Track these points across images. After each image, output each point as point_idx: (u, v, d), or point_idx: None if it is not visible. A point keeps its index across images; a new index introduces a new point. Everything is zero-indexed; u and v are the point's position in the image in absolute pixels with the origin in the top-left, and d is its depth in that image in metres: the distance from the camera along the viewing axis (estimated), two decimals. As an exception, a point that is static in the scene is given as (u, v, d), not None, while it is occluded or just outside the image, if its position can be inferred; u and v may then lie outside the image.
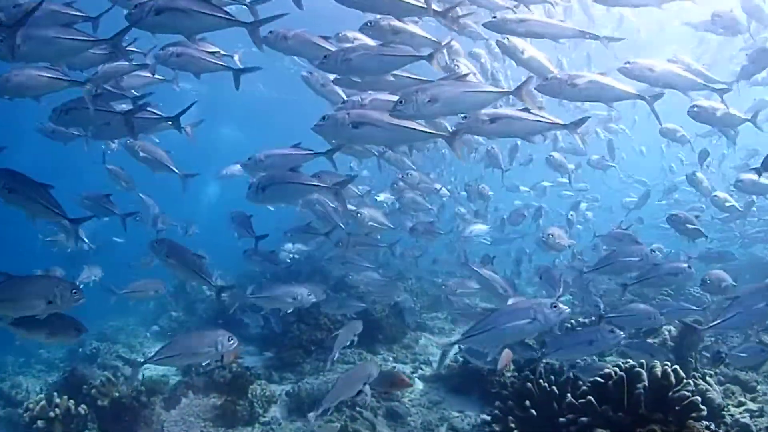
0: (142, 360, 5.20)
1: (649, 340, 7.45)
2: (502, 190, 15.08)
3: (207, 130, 9.14)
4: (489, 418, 5.83)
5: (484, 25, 6.51)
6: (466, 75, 6.16)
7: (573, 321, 7.92)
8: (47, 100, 6.08)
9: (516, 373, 7.04)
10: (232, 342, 5.23)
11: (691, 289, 10.98)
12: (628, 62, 6.73)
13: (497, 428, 5.47)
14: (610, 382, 4.35)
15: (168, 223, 11.36)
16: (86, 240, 8.42)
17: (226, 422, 6.89)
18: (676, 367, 4.53)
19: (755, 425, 5.79)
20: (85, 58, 5.92)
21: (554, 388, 5.35)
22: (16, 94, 5.61)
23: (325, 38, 6.44)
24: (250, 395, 7.17)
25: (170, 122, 6.39)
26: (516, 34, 6.43)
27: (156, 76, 7.08)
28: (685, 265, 7.13)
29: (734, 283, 7.70)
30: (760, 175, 6.91)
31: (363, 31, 6.34)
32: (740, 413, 6.26)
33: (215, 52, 6.46)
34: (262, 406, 7.20)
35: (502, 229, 14.84)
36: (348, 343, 6.86)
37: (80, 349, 11.07)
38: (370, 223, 7.95)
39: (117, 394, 6.56)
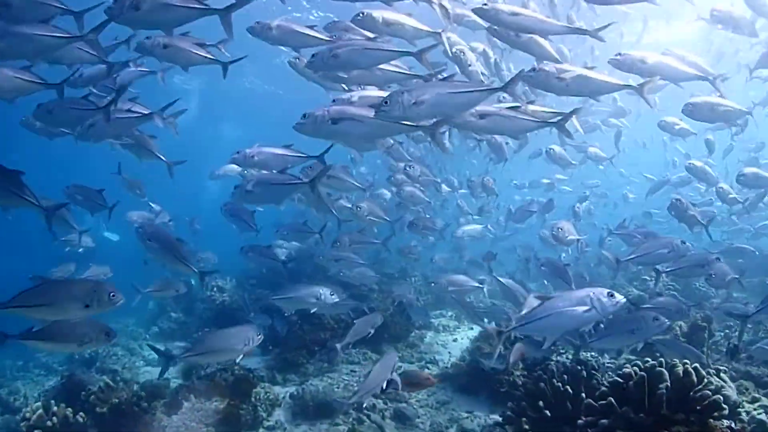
0: (175, 356, 5.15)
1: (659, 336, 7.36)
2: (503, 186, 14.93)
3: (207, 128, 9.21)
4: (501, 419, 5.68)
5: (473, 11, 6.43)
6: (453, 75, 6.15)
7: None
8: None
9: (525, 372, 6.92)
10: (260, 338, 5.38)
11: (696, 283, 10.89)
12: (619, 54, 6.69)
13: (510, 430, 5.32)
14: (630, 383, 4.19)
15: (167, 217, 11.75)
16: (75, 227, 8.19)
17: (229, 427, 6.69)
18: (697, 365, 4.36)
19: (772, 421, 5.64)
20: (72, 55, 5.96)
21: (568, 387, 5.20)
22: None
23: (311, 27, 6.43)
24: (253, 399, 6.98)
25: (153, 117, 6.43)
26: (506, 26, 6.36)
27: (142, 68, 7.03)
28: (714, 257, 7.20)
29: (737, 277, 7.60)
30: None
31: (355, 22, 6.35)
32: (755, 409, 6.12)
33: (202, 44, 6.40)
34: (266, 410, 7.02)
35: (505, 226, 14.70)
36: (366, 335, 6.93)
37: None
38: (369, 217, 7.83)
39: (116, 401, 6.38)
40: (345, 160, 11.80)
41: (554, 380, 5.33)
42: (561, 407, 5.15)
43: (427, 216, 11.60)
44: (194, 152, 10.09)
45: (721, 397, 4.28)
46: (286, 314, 8.75)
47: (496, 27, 6.49)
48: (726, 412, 4.28)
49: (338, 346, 6.76)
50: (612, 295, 4.46)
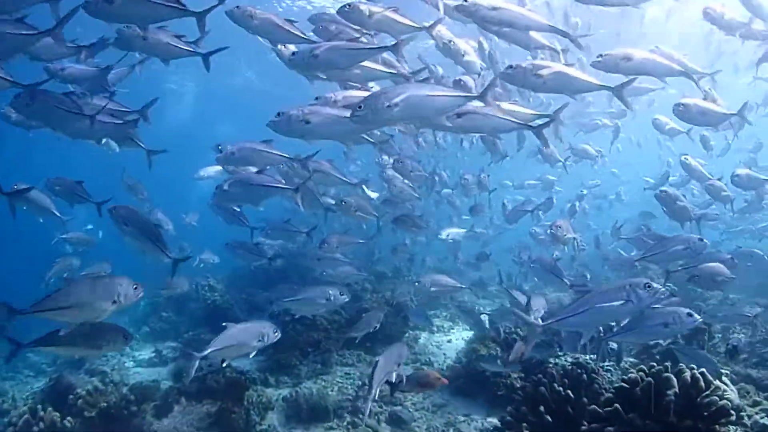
0: (200, 354, 5.04)
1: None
2: (496, 185, 14.78)
3: (203, 127, 9.19)
4: (500, 423, 5.54)
5: (455, 8, 6.40)
6: (428, 78, 6.40)
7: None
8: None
9: (523, 375, 6.82)
10: (276, 334, 5.52)
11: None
12: (601, 56, 6.61)
13: (510, 435, 5.19)
14: (637, 389, 4.06)
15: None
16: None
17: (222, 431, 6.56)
18: (704, 370, 4.26)
19: (774, 425, 5.56)
20: (52, 51, 6.13)
21: (569, 392, 5.08)
22: None
23: (291, 22, 6.41)
24: (245, 402, 6.82)
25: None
26: (487, 21, 6.35)
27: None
28: (729, 257, 7.22)
29: (732, 277, 7.47)
30: None
31: (341, 14, 6.35)
32: (756, 413, 6.04)
33: (181, 36, 6.36)
34: (259, 414, 6.85)
35: (501, 223, 14.55)
36: (370, 329, 7.09)
37: (66, 354, 10.71)
38: (357, 213, 7.69)
39: (105, 404, 6.21)
40: (338, 154, 11.68)
41: (555, 384, 5.21)
42: (562, 412, 5.03)
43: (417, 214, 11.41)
44: (191, 152, 10.01)
45: (729, 403, 4.18)
46: (278, 314, 8.61)
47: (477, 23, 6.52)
48: (733, 418, 4.18)
49: (356, 338, 7.18)
50: (649, 287, 4.43)
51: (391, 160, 9.29)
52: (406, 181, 9.30)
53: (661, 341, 6.65)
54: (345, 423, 6.56)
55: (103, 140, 7.55)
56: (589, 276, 11.28)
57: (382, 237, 11.46)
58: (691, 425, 4.00)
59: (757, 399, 6.39)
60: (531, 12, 6.48)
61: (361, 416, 6.59)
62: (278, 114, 5.79)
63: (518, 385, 6.55)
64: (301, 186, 6.63)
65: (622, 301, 4.43)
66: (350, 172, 12.68)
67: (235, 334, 5.29)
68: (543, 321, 5.24)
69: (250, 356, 5.72)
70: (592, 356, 6.85)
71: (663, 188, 8.78)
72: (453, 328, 11.51)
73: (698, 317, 5.21)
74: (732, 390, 5.87)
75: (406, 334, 9.97)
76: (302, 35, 6.49)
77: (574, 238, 8.71)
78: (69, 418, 5.98)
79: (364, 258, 13.41)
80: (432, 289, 8.60)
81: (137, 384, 7.33)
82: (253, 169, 7.07)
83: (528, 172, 17.56)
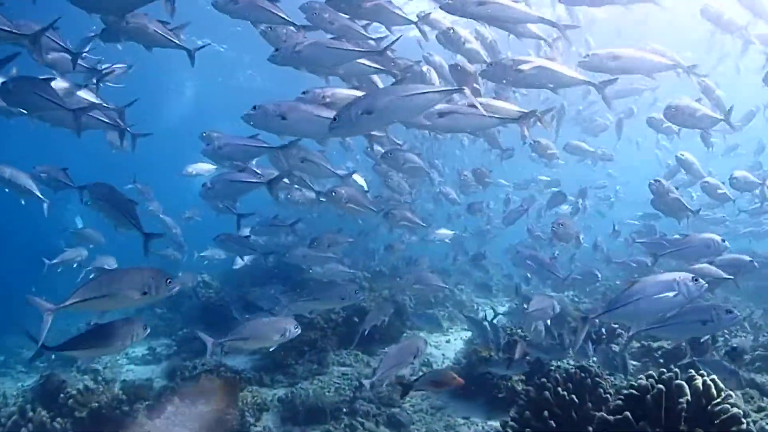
0: (221, 341, 5.16)
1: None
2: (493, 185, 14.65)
3: (204, 125, 9.16)
4: (501, 428, 5.41)
5: (441, 7, 6.29)
6: (403, 79, 6.19)
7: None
8: None
9: (524, 378, 6.70)
10: (297, 330, 5.57)
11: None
12: (587, 55, 6.55)
13: (512, 441, 5.05)
14: (648, 396, 3.93)
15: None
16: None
17: (216, 432, 6.41)
18: (714, 377, 4.13)
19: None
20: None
21: (574, 397, 4.94)
22: None
23: (274, 2, 6.23)
24: (240, 403, 6.68)
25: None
26: (475, 17, 6.29)
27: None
28: (748, 258, 7.25)
29: (730, 277, 7.33)
30: None
31: (330, 4, 6.22)
32: (762, 419, 5.94)
33: (165, 22, 6.15)
34: (254, 415, 6.71)
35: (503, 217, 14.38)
36: (378, 323, 7.17)
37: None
38: (349, 204, 7.35)
39: (96, 404, 6.05)
40: (336, 148, 11.58)
41: (559, 388, 5.08)
42: (566, 417, 4.91)
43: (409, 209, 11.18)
44: (190, 150, 9.91)
45: (741, 411, 4.06)
46: (273, 313, 8.46)
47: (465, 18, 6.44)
48: (744, 426, 4.06)
49: (357, 337, 7.33)
50: (697, 280, 4.36)
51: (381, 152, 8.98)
52: (400, 174, 9.07)
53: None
54: (342, 425, 6.42)
55: (109, 138, 7.50)
56: (599, 275, 11.22)
57: (382, 237, 11.32)
58: (703, 434, 3.89)
59: (762, 404, 6.28)
60: (518, 4, 6.38)
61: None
62: (254, 107, 5.66)
63: (520, 388, 6.43)
64: (274, 180, 6.51)
65: (673, 293, 4.35)
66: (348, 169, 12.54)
67: (257, 327, 5.38)
68: (587, 315, 5.08)
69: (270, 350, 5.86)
70: (594, 360, 6.74)
71: (656, 178, 8.39)
72: (451, 329, 11.38)
73: (738, 314, 5.09)
74: (737, 395, 5.77)
75: (404, 334, 9.84)
76: (286, 17, 6.29)
77: (577, 236, 8.55)
78: (59, 418, 5.82)
79: (364, 258, 13.31)
80: (415, 286, 8.51)
81: (130, 383, 7.19)
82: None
83: (528, 172, 17.43)
